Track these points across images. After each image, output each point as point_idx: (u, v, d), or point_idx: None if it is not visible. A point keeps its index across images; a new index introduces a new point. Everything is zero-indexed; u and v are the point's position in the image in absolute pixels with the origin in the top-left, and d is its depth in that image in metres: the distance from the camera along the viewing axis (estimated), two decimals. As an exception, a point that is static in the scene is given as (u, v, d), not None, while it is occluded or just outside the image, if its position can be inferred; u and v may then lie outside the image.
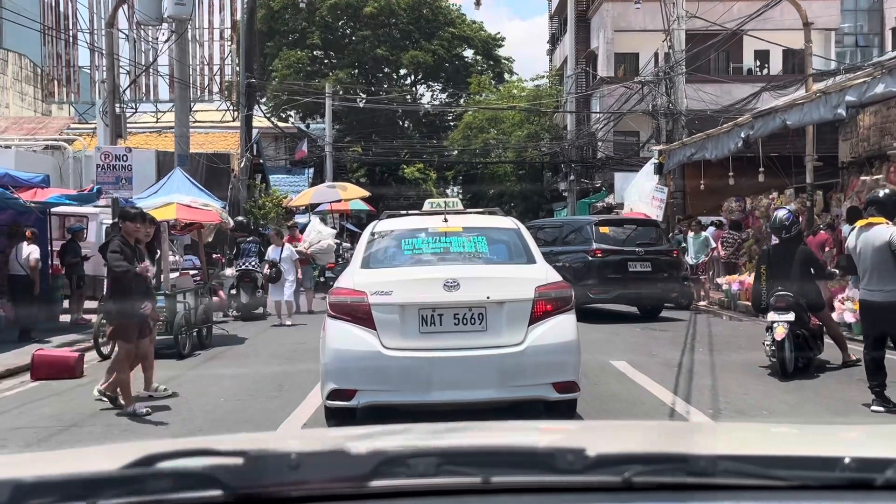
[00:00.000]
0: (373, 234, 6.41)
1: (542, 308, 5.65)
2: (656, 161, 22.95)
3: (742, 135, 15.73)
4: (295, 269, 13.55)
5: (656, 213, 22.74)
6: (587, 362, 8.80)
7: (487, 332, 5.58)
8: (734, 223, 18.39)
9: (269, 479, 1.25)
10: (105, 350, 9.75)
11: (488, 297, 5.60)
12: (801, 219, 10.69)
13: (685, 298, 14.98)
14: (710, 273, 18.99)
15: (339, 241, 23.14)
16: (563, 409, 5.81)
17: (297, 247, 14.41)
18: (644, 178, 23.94)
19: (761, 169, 17.35)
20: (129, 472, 1.27)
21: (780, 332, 7.89)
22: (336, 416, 5.69)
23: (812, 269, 8.62)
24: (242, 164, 20.46)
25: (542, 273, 5.95)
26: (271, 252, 13.41)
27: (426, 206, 7.19)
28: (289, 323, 12.96)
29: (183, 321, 9.77)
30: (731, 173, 18.78)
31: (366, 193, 24.47)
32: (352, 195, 22.75)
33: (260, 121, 32.65)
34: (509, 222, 6.72)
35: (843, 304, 11.82)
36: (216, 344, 10.63)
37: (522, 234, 6.40)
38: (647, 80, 23.50)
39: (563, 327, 5.72)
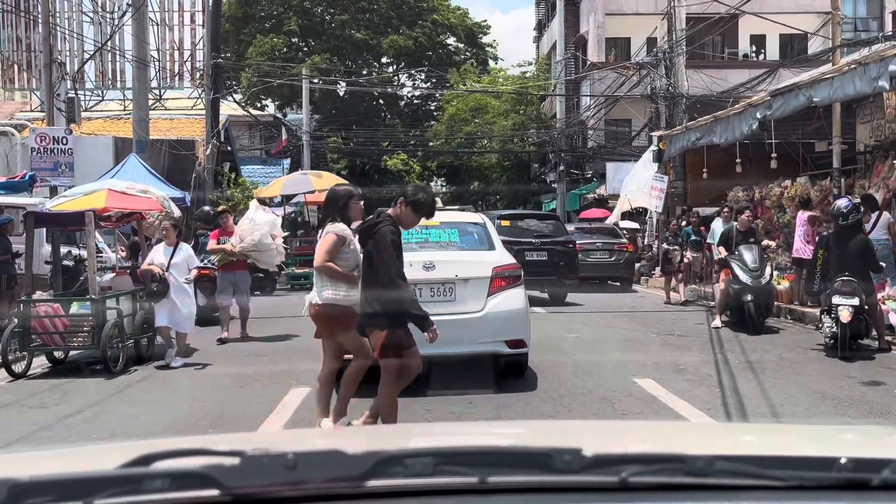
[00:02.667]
0: None
1: (498, 284, 7.06)
2: (655, 148, 21.39)
3: (758, 115, 14.19)
4: (191, 283, 9.13)
5: (655, 204, 21.22)
6: (607, 380, 7.30)
7: (456, 302, 6.97)
8: (744, 213, 16.85)
9: (265, 478, 1.23)
10: (18, 367, 8.04)
11: (456, 275, 7.02)
12: (862, 208, 9.86)
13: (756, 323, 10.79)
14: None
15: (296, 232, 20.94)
16: (516, 363, 7.33)
17: (224, 243, 10.23)
18: (642, 166, 22.38)
19: (774, 155, 15.89)
20: (126, 472, 1.27)
21: (846, 315, 8.22)
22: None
23: (865, 259, 8.89)
24: (208, 152, 18.70)
25: (499, 257, 7.42)
26: (160, 253, 8.80)
27: None
28: (177, 364, 8.52)
29: (114, 331, 8.06)
30: (738, 160, 17.30)
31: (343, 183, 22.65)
32: (327, 184, 20.86)
33: (233, 109, 30.98)
34: (477, 218, 8.27)
35: (884, 303, 10.40)
36: (160, 357, 8.91)
37: (487, 227, 7.84)
38: (644, 61, 21.88)
39: (513, 298, 7.13)
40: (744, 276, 10.99)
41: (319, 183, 19.88)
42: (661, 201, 20.85)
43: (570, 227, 19.06)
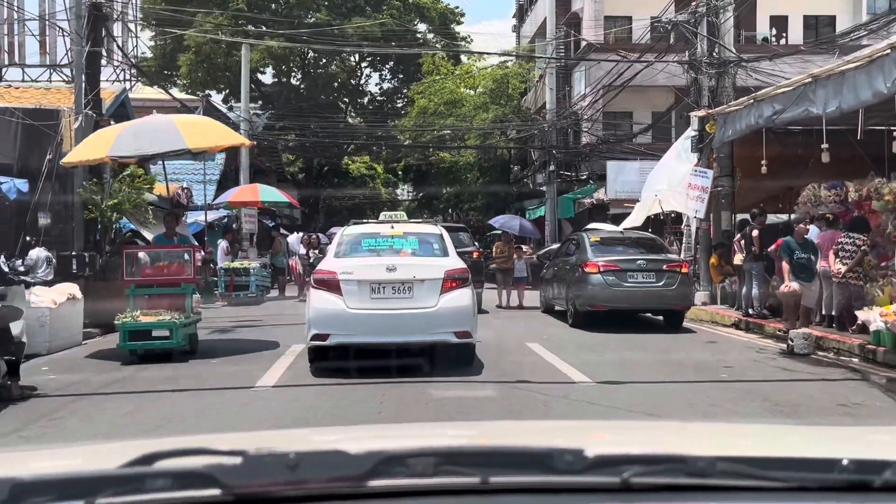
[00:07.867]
0: (343, 234, 9.46)
1: (449, 284, 8.50)
2: (695, 132, 16.09)
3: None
4: None
5: (696, 208, 15.87)
6: None
7: (413, 299, 8.42)
8: (857, 220, 11.53)
9: (267, 478, 1.23)
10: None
11: (414, 277, 8.47)
12: None
13: None
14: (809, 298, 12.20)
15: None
16: (464, 351, 8.64)
17: None
18: (675, 158, 17.04)
19: (896, 136, 10.66)
20: (128, 471, 1.27)
21: None
22: (316, 352, 8.56)
23: None
24: (76, 125, 13.00)
25: (451, 262, 8.85)
26: None
27: (381, 217, 10.44)
28: None
29: None
30: (824, 146, 12.03)
31: (246, 142, 13.97)
32: (211, 139, 10.50)
33: (159, 93, 25.54)
34: (436, 229, 9.76)
35: None
36: None
37: (443, 237, 9.35)
38: (678, 19, 16.57)
39: (461, 297, 8.53)
40: None
41: (195, 136, 10.26)
42: (704, 204, 15.55)
43: (587, 241, 13.46)
